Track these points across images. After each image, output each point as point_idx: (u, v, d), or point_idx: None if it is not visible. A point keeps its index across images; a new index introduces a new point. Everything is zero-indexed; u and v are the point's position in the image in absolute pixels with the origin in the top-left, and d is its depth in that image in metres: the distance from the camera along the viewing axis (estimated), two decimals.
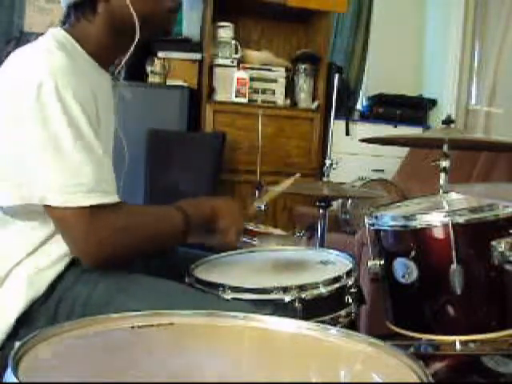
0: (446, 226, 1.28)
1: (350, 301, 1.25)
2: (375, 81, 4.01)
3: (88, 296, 1.10)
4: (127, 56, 1.21)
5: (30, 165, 1.03)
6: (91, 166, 1.05)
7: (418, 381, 0.67)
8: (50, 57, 1.07)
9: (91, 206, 1.04)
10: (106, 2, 1.16)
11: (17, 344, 0.69)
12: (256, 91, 3.44)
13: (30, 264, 1.10)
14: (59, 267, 1.12)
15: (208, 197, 1.27)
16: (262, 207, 2.20)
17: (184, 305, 1.06)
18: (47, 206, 1.05)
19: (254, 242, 1.93)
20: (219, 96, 3.38)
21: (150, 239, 1.16)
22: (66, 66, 1.06)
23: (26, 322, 1.09)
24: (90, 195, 1.04)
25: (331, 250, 1.47)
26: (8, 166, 1.06)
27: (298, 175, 1.52)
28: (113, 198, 1.08)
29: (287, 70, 3.54)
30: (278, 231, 2.15)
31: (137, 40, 1.17)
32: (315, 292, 1.19)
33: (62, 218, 1.06)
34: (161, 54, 3.31)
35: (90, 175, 1.04)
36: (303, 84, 3.53)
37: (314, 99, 3.54)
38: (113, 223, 1.08)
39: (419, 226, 1.32)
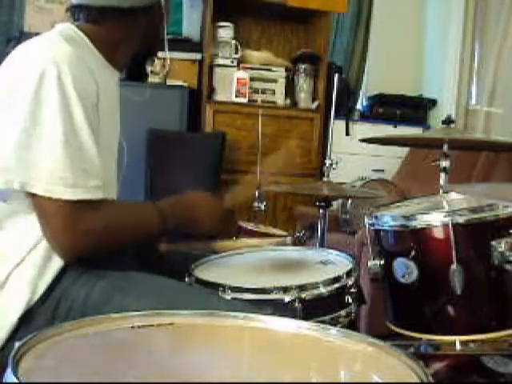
0: (445, 226, 1.28)
1: (350, 301, 1.25)
2: (375, 81, 4.01)
3: (86, 296, 1.10)
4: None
5: (17, 148, 1.03)
6: (77, 159, 1.05)
7: (418, 381, 0.67)
8: (54, 46, 1.09)
9: (71, 201, 1.05)
10: (144, 22, 1.22)
11: (17, 344, 0.68)
12: (256, 91, 3.43)
13: (30, 263, 1.10)
14: (57, 264, 1.12)
15: (184, 194, 1.28)
16: (262, 207, 2.20)
17: (183, 303, 1.06)
18: (29, 193, 1.05)
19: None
20: (219, 96, 3.38)
21: (125, 238, 1.18)
22: (70, 56, 1.08)
23: (25, 322, 1.09)
24: (73, 190, 1.04)
25: (331, 250, 1.47)
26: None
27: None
28: (95, 195, 1.08)
29: (287, 69, 3.54)
30: (277, 231, 2.15)
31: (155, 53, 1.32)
32: (315, 292, 1.19)
33: (41, 207, 1.06)
34: (161, 54, 3.30)
35: (73, 168, 1.05)
36: (303, 84, 3.53)
37: (314, 99, 3.54)
38: (91, 220, 1.08)
39: (419, 226, 1.32)
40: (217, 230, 1.30)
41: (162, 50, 1.27)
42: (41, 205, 1.06)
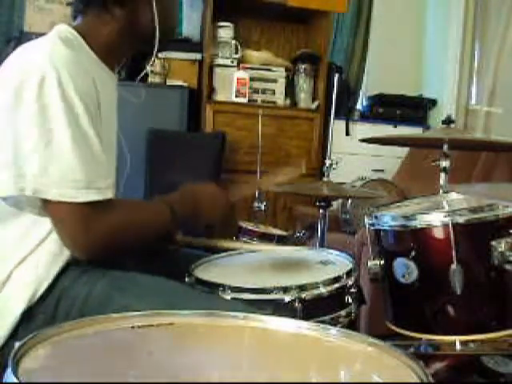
0: (446, 226, 1.28)
1: (350, 301, 1.25)
2: (375, 81, 4.01)
3: (87, 295, 1.11)
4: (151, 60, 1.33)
5: (27, 155, 1.04)
6: (87, 161, 1.06)
7: (418, 381, 0.67)
8: (53, 49, 1.09)
9: (85, 203, 1.05)
10: (131, 11, 1.20)
11: (17, 344, 0.69)
12: (256, 91, 3.43)
13: (31, 263, 1.10)
14: (59, 264, 1.13)
15: (190, 186, 1.31)
16: (262, 207, 2.21)
17: (183, 303, 1.06)
18: (41, 199, 1.06)
19: (254, 243, 1.93)
20: (219, 96, 3.38)
21: (139, 235, 1.19)
22: (68, 59, 1.08)
23: (25, 320, 1.09)
24: (86, 191, 1.05)
25: (331, 250, 1.47)
26: (7, 154, 1.06)
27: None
28: (106, 195, 1.09)
29: (287, 69, 3.53)
30: (278, 231, 2.15)
31: (155, 51, 1.24)
32: (315, 292, 1.19)
33: (55, 212, 1.07)
34: (161, 54, 3.30)
35: (85, 171, 1.05)
36: (303, 84, 3.53)
37: (314, 99, 3.54)
38: (105, 220, 1.09)
39: (419, 226, 1.32)
40: (219, 220, 1.31)
41: (163, 49, 1.27)
42: (55, 210, 1.07)
